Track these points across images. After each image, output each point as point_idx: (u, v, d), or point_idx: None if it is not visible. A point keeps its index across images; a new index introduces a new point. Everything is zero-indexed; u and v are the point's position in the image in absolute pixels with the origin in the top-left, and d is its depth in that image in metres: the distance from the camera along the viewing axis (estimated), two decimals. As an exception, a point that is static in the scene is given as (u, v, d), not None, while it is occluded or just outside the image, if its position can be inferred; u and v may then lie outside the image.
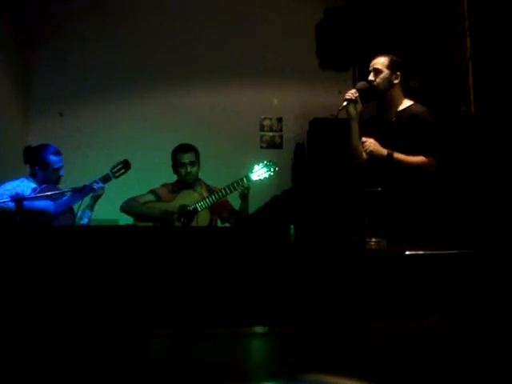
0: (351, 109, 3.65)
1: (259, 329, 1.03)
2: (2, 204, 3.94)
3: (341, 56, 6.45)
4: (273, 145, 6.50)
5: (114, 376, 0.70)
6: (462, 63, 4.79)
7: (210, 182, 4.77)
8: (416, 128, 3.53)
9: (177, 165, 4.59)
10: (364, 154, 3.66)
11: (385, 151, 3.48)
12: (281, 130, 6.52)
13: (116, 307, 1.93)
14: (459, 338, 0.93)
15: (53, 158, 4.29)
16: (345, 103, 3.61)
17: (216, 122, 6.31)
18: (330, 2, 6.40)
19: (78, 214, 4.33)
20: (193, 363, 0.77)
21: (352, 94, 3.60)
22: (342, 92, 6.51)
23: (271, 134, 6.51)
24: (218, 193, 4.43)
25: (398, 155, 3.45)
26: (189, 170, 4.55)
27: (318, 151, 5.95)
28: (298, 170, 6.32)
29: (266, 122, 6.51)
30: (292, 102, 6.48)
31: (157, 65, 6.29)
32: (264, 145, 6.49)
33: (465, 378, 0.70)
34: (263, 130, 6.51)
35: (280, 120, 6.52)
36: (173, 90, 6.35)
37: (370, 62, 3.76)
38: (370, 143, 3.53)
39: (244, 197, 4.47)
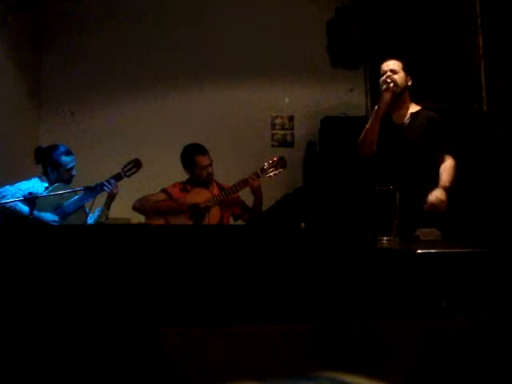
0: (387, 94, 3.62)
1: (269, 327, 1.03)
2: (14, 206, 3.97)
3: (352, 54, 6.43)
4: (284, 143, 6.49)
5: (124, 374, 0.71)
6: (475, 61, 4.77)
7: (221, 181, 4.78)
8: (435, 131, 3.61)
9: (195, 166, 4.59)
10: (374, 147, 3.67)
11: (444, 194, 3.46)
12: (292, 129, 6.52)
13: (128, 306, 1.94)
14: (472, 337, 0.93)
15: (65, 158, 4.29)
16: (391, 84, 3.58)
17: (227, 121, 6.31)
18: (341, 0, 6.39)
19: (96, 213, 4.35)
20: (203, 361, 0.77)
21: (393, 81, 3.61)
22: (354, 90, 6.57)
23: (282, 132, 6.51)
24: (228, 190, 4.44)
25: (447, 185, 3.47)
26: (210, 171, 4.60)
27: (329, 149, 5.94)
28: (310, 168, 6.32)
29: (278, 121, 6.51)
30: (303, 100, 6.47)
31: (168, 64, 6.30)
32: (275, 143, 6.48)
33: (475, 377, 0.70)
34: (274, 129, 6.50)
35: (291, 118, 6.51)
36: (184, 88, 6.36)
37: (380, 62, 3.77)
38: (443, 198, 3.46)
39: (256, 193, 4.48)
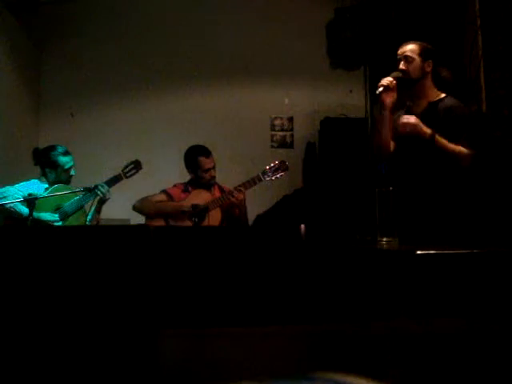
0: (385, 96, 3.45)
1: (269, 328, 1.03)
2: (14, 206, 3.97)
3: (351, 55, 6.43)
4: (284, 144, 6.49)
5: (125, 375, 0.71)
6: (474, 62, 4.77)
7: (220, 182, 4.78)
8: (454, 122, 3.36)
9: (198, 168, 4.58)
10: (391, 147, 3.55)
11: (429, 131, 3.28)
12: (292, 130, 6.52)
13: (127, 307, 1.94)
14: (471, 338, 0.93)
15: (63, 158, 4.29)
16: (380, 89, 3.41)
17: (227, 122, 6.31)
18: (341, 1, 6.39)
19: (88, 217, 4.34)
20: (203, 362, 0.77)
21: (389, 81, 3.41)
22: (353, 91, 6.57)
23: (282, 133, 6.51)
24: (229, 193, 4.44)
25: (440, 138, 3.27)
26: (213, 174, 4.60)
27: (329, 150, 5.94)
28: (309, 169, 6.32)
29: (277, 122, 6.51)
30: (303, 101, 6.48)
31: (168, 65, 6.30)
32: (275, 144, 6.48)
33: (474, 377, 0.70)
34: (274, 130, 6.50)
35: (291, 119, 6.51)
36: (184, 90, 6.36)
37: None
38: (412, 121, 3.31)
39: (239, 206, 4.49)
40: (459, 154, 3.32)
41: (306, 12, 6.45)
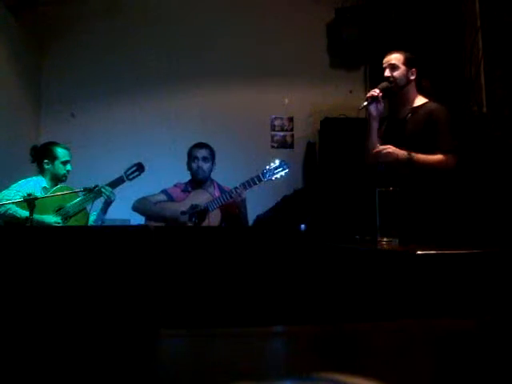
0: (373, 108, 3.59)
1: (270, 328, 1.03)
2: (13, 213, 3.98)
3: (352, 55, 6.44)
4: (284, 144, 6.49)
5: (124, 375, 0.71)
6: (474, 62, 4.77)
7: (220, 182, 4.78)
8: (432, 125, 3.45)
9: (190, 160, 4.64)
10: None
11: (404, 153, 3.37)
12: (292, 130, 6.52)
13: (127, 307, 1.94)
14: (471, 338, 0.93)
15: (61, 150, 4.37)
16: (365, 103, 3.58)
17: (227, 122, 6.31)
18: (341, 1, 6.39)
19: (91, 217, 4.35)
20: (203, 363, 0.77)
21: (376, 92, 3.55)
22: (353, 91, 6.57)
23: (282, 133, 6.51)
24: (229, 193, 4.44)
25: (417, 156, 3.36)
26: (200, 164, 4.59)
27: (329, 151, 5.94)
28: (309, 169, 6.32)
29: (277, 122, 6.51)
30: (303, 101, 6.48)
31: (168, 65, 6.31)
32: (275, 144, 6.48)
33: (474, 378, 0.70)
34: (274, 130, 6.50)
35: (291, 119, 6.51)
36: (184, 90, 6.36)
37: (382, 59, 3.73)
38: (388, 151, 3.42)
39: (239, 205, 4.50)
40: (440, 162, 3.39)
41: (306, 12, 6.45)
